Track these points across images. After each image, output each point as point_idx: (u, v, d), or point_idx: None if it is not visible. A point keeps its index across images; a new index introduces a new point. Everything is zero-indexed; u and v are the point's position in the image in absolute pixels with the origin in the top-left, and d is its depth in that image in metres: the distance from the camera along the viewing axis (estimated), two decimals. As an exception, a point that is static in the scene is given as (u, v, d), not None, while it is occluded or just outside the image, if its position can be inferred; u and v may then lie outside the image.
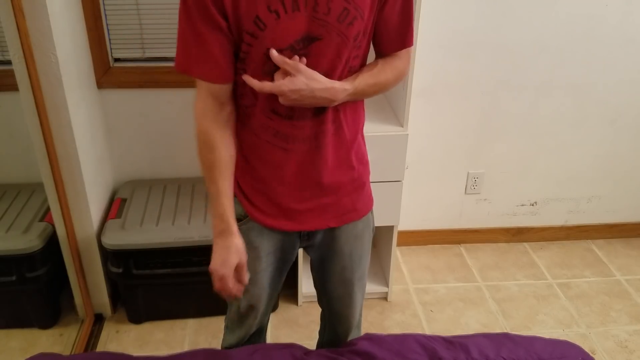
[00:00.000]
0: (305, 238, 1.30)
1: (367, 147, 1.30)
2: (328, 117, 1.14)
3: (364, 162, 1.28)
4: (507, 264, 2.48)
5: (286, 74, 1.06)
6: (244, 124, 1.17)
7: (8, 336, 1.96)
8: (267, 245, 1.26)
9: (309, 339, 1.70)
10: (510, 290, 2.32)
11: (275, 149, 1.16)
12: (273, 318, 2.12)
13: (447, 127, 2.32)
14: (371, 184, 1.34)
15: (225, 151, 1.15)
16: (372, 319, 2.14)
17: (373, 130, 1.87)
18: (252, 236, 1.24)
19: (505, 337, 1.37)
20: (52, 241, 1.89)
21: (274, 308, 2.16)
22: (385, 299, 2.24)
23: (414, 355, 1.28)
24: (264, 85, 1.06)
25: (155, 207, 2.04)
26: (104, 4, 1.94)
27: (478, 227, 2.58)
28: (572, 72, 2.26)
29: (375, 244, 2.38)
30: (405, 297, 2.26)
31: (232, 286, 1.19)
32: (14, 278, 1.88)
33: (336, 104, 1.12)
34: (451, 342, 1.33)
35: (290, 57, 1.05)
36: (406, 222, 2.50)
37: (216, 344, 1.95)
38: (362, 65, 1.16)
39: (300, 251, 2.05)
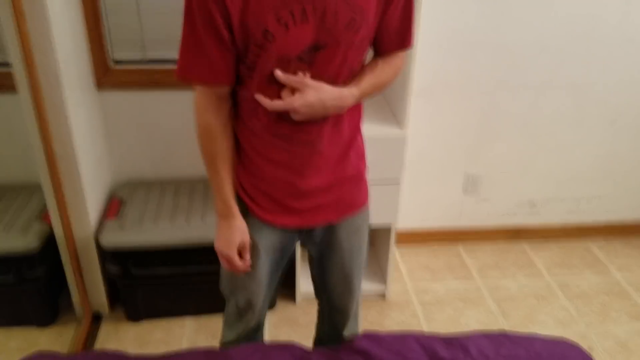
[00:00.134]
0: (305, 234, 1.31)
1: (366, 148, 1.32)
2: (329, 117, 1.15)
3: (362, 157, 1.30)
4: (507, 263, 2.48)
5: (293, 90, 1.06)
6: (246, 123, 1.18)
7: (7, 335, 1.96)
8: (266, 242, 1.27)
9: (308, 338, 1.70)
10: (510, 290, 2.32)
11: (276, 148, 1.17)
12: (272, 316, 2.12)
13: (446, 127, 2.32)
14: (370, 184, 1.34)
15: (227, 142, 1.18)
16: (372, 319, 2.14)
17: (373, 130, 1.86)
18: (251, 233, 1.25)
19: (505, 336, 1.36)
20: (50, 241, 1.89)
21: (272, 305, 2.16)
22: (384, 298, 2.24)
23: (413, 355, 1.28)
24: (275, 104, 1.08)
25: (153, 207, 2.04)
26: (104, 5, 1.94)
27: (478, 227, 2.58)
28: (572, 72, 2.26)
29: (373, 243, 2.38)
30: (404, 297, 2.26)
31: (239, 264, 1.23)
32: (12, 278, 1.88)
33: (346, 109, 1.13)
34: (450, 342, 1.33)
35: (297, 67, 1.06)
36: (406, 221, 2.50)
37: (215, 342, 1.94)
38: (361, 65, 1.17)
39: (298, 250, 2.05)
